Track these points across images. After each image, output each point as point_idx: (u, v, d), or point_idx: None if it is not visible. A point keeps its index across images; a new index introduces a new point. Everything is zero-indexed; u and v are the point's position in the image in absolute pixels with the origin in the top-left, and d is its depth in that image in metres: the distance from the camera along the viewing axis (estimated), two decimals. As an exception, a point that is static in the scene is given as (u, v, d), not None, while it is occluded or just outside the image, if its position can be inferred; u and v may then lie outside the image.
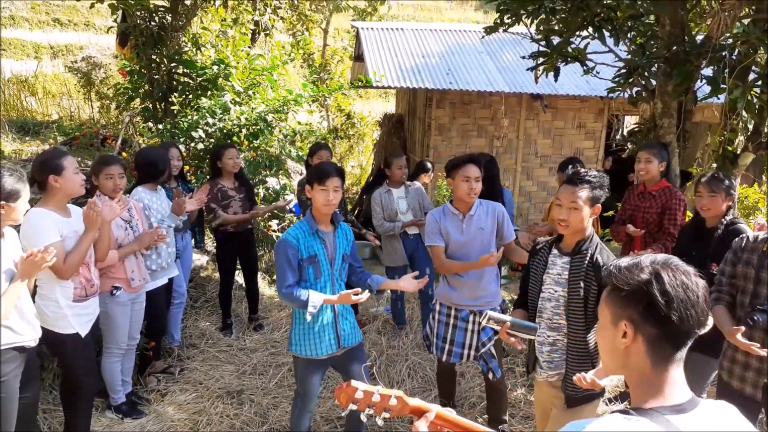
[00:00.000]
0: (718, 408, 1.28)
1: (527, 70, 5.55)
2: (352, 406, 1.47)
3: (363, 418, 1.51)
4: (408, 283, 3.27)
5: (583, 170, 2.60)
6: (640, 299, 1.25)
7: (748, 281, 2.69)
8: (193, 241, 5.58)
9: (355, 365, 3.34)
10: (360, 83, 7.17)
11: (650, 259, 1.28)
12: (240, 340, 5.18)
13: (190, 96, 6.92)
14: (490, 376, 3.70)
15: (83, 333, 3.28)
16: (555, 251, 2.73)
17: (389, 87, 8.02)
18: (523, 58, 5.41)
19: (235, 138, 6.32)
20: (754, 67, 4.88)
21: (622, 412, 1.21)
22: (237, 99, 6.77)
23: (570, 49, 5.01)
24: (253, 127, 6.43)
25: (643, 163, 4.24)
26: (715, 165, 5.39)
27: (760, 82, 4.65)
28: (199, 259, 6.39)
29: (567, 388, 2.67)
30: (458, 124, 8.50)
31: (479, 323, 3.64)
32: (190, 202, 4.42)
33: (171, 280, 4.52)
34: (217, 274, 6.25)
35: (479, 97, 8.30)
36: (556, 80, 5.03)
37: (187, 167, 6.13)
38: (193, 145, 6.27)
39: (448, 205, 3.65)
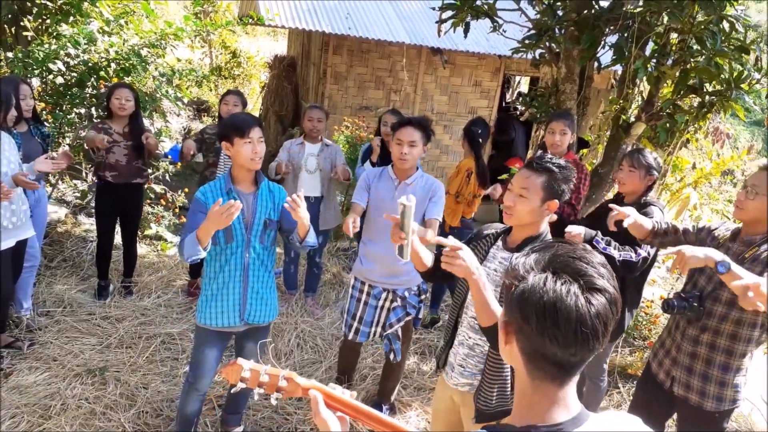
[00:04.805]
0: (613, 423, 1.11)
1: (435, 22, 5.20)
2: (242, 385, 1.42)
3: (255, 397, 1.43)
4: None
5: (548, 156, 2.21)
6: (513, 303, 1.09)
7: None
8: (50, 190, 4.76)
9: (251, 343, 3.06)
10: (251, 20, 6.49)
11: (547, 255, 1.09)
12: (104, 308, 4.53)
13: (48, 21, 5.95)
14: (391, 356, 3.56)
15: None
16: (499, 243, 2.36)
17: (282, 27, 7.37)
18: (433, 9, 5.06)
19: (102, 73, 5.50)
20: (655, 39, 4.88)
21: (490, 429, 1.12)
22: (106, 28, 5.88)
23: (480, 3, 4.73)
24: (125, 62, 5.62)
25: (558, 135, 3.92)
26: (609, 133, 5.45)
27: (657, 54, 4.66)
28: (56, 211, 5.59)
29: (479, 401, 2.33)
30: (355, 73, 8.04)
31: (390, 301, 3.47)
32: (44, 162, 3.60)
33: (21, 242, 3.81)
34: (77, 229, 5.54)
35: (378, 46, 7.87)
36: (465, 36, 4.75)
37: (42, 104, 5.27)
38: (51, 77, 5.39)
39: (388, 168, 3.40)
